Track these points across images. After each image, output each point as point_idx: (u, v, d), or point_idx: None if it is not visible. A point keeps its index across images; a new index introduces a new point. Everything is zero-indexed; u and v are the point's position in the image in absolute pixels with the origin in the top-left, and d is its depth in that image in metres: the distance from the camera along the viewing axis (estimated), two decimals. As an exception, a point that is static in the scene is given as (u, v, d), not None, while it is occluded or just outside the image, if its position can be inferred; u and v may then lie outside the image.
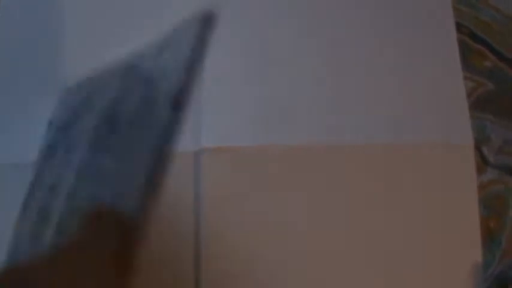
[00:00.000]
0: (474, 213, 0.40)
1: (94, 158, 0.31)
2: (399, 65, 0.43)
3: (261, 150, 0.39)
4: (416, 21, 0.45)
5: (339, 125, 0.42)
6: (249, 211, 0.39)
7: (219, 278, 0.39)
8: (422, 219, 0.40)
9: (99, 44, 0.43)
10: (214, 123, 0.41)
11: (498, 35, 0.46)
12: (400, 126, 0.42)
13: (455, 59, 0.44)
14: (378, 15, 0.45)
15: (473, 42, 0.46)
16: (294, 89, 0.42)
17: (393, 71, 0.43)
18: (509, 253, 0.41)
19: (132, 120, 0.30)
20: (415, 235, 0.39)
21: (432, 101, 0.43)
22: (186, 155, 0.39)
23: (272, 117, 0.41)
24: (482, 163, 0.43)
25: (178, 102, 0.28)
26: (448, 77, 0.44)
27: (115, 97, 0.33)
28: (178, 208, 0.39)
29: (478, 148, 0.43)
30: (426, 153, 0.41)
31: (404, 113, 0.42)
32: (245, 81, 0.42)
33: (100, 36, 0.43)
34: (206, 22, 0.30)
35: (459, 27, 0.46)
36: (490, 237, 0.41)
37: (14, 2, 0.45)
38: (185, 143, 0.39)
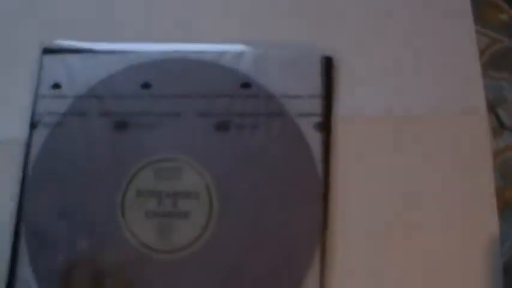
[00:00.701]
0: (489, 182, 0.37)
1: None
2: (406, 22, 0.40)
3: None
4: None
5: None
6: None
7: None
8: (435, 190, 0.37)
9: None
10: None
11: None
12: (409, 94, 0.39)
13: (467, 13, 0.40)
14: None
15: None
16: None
17: (399, 31, 0.40)
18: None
19: None
20: (428, 206, 0.37)
21: (442, 63, 0.39)
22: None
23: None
24: (499, 126, 0.39)
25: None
26: (459, 34, 0.40)
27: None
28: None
29: (493, 111, 0.39)
30: (436, 120, 0.38)
31: (413, 80, 0.39)
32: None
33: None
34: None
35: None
36: (507, 208, 0.37)
37: None
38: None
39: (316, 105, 0.39)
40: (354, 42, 0.41)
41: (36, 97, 0.41)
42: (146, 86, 0.40)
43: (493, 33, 0.41)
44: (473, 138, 0.38)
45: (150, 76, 0.40)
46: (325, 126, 0.39)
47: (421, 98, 0.40)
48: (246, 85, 0.39)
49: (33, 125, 0.41)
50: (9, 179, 0.40)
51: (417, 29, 0.41)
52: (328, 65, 0.40)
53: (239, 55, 0.40)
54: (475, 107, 0.39)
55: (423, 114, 0.39)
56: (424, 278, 0.36)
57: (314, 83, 0.39)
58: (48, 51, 0.42)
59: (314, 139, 0.38)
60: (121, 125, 0.40)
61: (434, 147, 0.39)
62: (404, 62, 0.41)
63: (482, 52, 0.40)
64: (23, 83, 0.42)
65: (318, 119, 0.39)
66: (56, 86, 0.41)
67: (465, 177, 0.38)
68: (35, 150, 0.40)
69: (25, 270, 0.38)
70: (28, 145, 0.40)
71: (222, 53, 0.40)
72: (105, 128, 0.40)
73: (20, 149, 0.40)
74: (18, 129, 0.41)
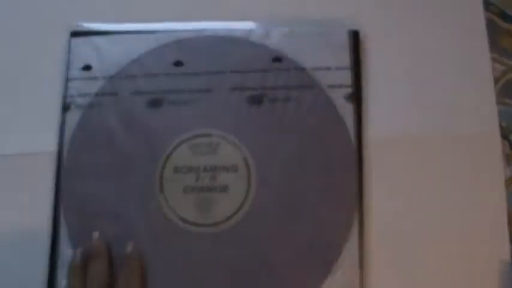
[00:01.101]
0: (502, 207, 0.38)
1: None
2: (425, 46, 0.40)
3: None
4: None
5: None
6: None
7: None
8: (447, 213, 0.38)
9: None
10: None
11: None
12: (426, 118, 0.39)
13: (483, 41, 0.40)
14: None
15: (502, 21, 0.42)
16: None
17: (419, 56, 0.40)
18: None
19: None
20: (440, 229, 0.37)
21: (457, 89, 0.40)
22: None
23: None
24: None
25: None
26: (474, 61, 0.40)
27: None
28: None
29: (506, 138, 0.39)
30: (451, 145, 0.38)
31: (430, 104, 0.39)
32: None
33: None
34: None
35: (487, 5, 0.41)
36: None
37: None
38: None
39: (346, 77, 0.40)
40: (380, 17, 0.42)
41: (67, 80, 0.41)
42: (178, 64, 0.41)
43: (509, 61, 0.41)
44: (486, 164, 0.39)
45: (181, 54, 0.41)
46: (357, 97, 0.40)
47: (440, 120, 0.40)
48: (277, 59, 0.40)
49: (65, 108, 0.41)
50: (43, 164, 0.40)
51: (435, 54, 0.41)
52: (355, 39, 0.41)
53: (268, 31, 0.41)
54: (489, 133, 0.39)
55: (441, 136, 0.40)
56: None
57: (343, 56, 0.40)
58: (76, 34, 0.42)
59: (346, 109, 0.39)
60: (155, 103, 0.40)
61: (447, 171, 0.39)
62: (421, 83, 0.41)
63: (497, 79, 0.41)
64: (52, 66, 0.42)
65: (348, 90, 0.40)
66: (87, 67, 0.41)
67: (478, 202, 0.38)
68: (69, 131, 0.40)
69: (66, 250, 0.38)
70: (61, 127, 0.41)
71: (251, 30, 0.41)
72: (139, 106, 0.40)
73: (54, 132, 0.41)
74: (51, 113, 0.41)
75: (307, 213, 0.38)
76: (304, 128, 0.39)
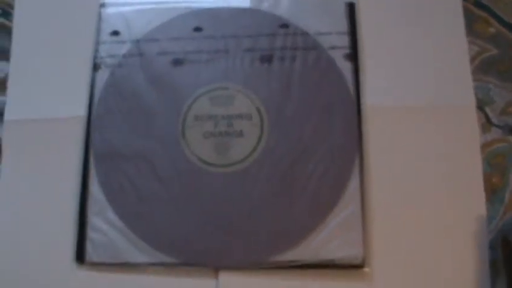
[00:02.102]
0: (478, 168, 0.42)
1: None
2: (405, 31, 0.46)
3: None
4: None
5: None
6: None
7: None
8: (429, 175, 0.42)
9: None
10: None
11: (501, 3, 0.48)
12: (407, 90, 0.44)
13: (460, 26, 0.46)
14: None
15: (478, 9, 0.48)
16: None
17: (399, 37, 0.46)
18: (512, 207, 0.43)
19: None
20: (422, 189, 0.42)
21: (439, 67, 0.45)
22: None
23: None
24: (487, 123, 0.45)
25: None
26: (452, 43, 0.46)
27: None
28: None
29: (482, 109, 0.45)
30: (431, 114, 0.44)
31: (411, 78, 0.45)
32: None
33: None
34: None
35: (464, -5, 0.47)
36: (493, 193, 0.43)
37: None
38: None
39: (344, 40, 0.46)
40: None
41: (97, 43, 0.46)
42: (198, 29, 0.46)
43: (482, 43, 0.48)
44: (465, 131, 0.44)
45: (200, 21, 0.47)
46: (354, 56, 0.46)
47: (420, 92, 0.46)
48: (284, 25, 0.46)
49: (95, 67, 0.46)
50: (75, 116, 0.45)
51: (418, 39, 0.47)
52: (351, 9, 0.47)
53: (276, 2, 0.47)
54: (467, 105, 0.45)
55: (419, 107, 0.45)
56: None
57: (341, 23, 0.46)
58: (105, 5, 0.48)
59: (345, 67, 0.45)
60: (178, 62, 0.45)
61: (429, 137, 0.44)
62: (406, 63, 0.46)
63: (473, 59, 0.47)
64: (83, 33, 0.47)
65: (346, 51, 0.46)
66: (115, 33, 0.47)
67: (457, 164, 0.43)
68: (98, 88, 0.45)
69: (95, 188, 0.43)
70: (92, 85, 0.45)
71: (260, 1, 0.47)
72: (164, 64, 0.45)
73: (85, 89, 0.45)
74: (83, 72, 0.46)
75: (313, 155, 0.43)
76: (310, 81, 0.45)
